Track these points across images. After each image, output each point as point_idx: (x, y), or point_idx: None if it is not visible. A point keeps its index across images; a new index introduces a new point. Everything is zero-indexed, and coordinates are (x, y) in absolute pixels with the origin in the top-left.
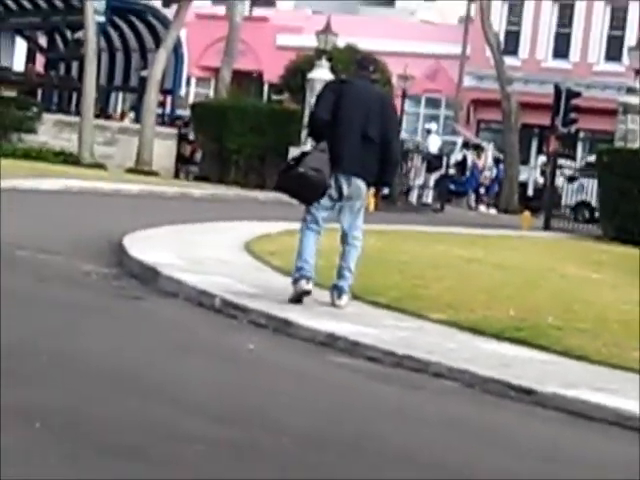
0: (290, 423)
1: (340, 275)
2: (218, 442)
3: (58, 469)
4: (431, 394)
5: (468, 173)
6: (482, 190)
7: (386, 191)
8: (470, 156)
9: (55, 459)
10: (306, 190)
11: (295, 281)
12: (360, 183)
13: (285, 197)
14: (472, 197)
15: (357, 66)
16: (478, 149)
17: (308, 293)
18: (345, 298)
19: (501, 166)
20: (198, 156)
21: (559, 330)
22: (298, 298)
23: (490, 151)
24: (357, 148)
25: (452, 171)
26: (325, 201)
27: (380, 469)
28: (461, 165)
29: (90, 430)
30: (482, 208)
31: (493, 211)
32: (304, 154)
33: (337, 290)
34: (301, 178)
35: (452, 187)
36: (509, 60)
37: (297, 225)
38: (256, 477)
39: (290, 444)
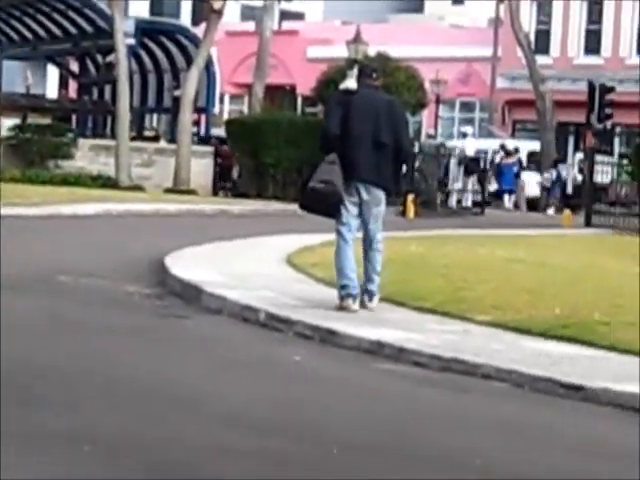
0: (340, 433)
1: (369, 279)
2: (268, 456)
3: None
4: (480, 396)
5: (491, 173)
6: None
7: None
8: (498, 157)
9: None
10: (322, 203)
11: (342, 299)
12: (378, 190)
13: None
14: (505, 198)
15: (360, 75)
16: (515, 150)
17: (354, 312)
18: (375, 300)
19: (561, 167)
20: (235, 173)
21: (606, 325)
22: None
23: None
24: (371, 156)
25: (490, 173)
26: (353, 209)
27: (431, 474)
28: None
29: (138, 450)
30: (550, 211)
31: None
32: (313, 169)
33: (368, 293)
34: (313, 192)
35: (491, 189)
36: (541, 59)
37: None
38: None
39: (340, 454)
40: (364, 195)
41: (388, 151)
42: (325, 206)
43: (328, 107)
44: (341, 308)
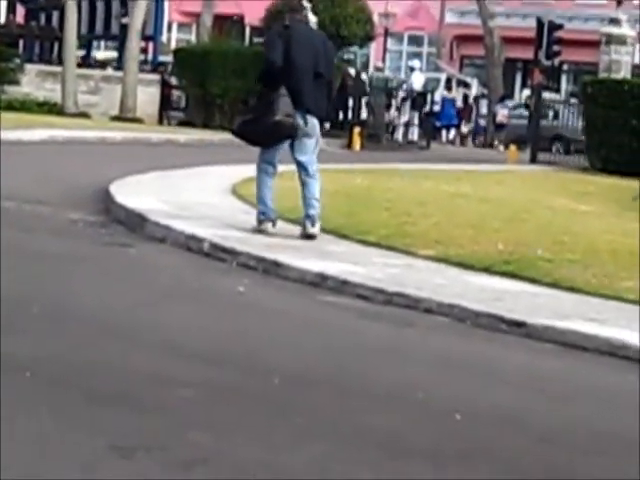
0: (281, 364)
1: (308, 204)
2: (208, 386)
3: (48, 417)
4: (422, 330)
5: (437, 108)
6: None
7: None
8: (442, 92)
9: (46, 407)
10: (277, 136)
11: (260, 223)
12: (315, 120)
13: None
14: (443, 133)
15: (291, 11)
16: (464, 85)
17: (270, 235)
18: (318, 226)
19: (508, 103)
20: (182, 101)
21: (549, 262)
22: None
23: (474, 87)
24: (311, 86)
25: (437, 108)
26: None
27: (372, 407)
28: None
29: (79, 378)
30: (501, 147)
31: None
32: (267, 102)
33: (310, 219)
34: (277, 125)
35: (437, 124)
36: None
37: (283, 168)
38: (245, 419)
39: (281, 385)
40: (302, 125)
41: (323, 82)
42: (274, 139)
43: (270, 40)
44: (259, 231)
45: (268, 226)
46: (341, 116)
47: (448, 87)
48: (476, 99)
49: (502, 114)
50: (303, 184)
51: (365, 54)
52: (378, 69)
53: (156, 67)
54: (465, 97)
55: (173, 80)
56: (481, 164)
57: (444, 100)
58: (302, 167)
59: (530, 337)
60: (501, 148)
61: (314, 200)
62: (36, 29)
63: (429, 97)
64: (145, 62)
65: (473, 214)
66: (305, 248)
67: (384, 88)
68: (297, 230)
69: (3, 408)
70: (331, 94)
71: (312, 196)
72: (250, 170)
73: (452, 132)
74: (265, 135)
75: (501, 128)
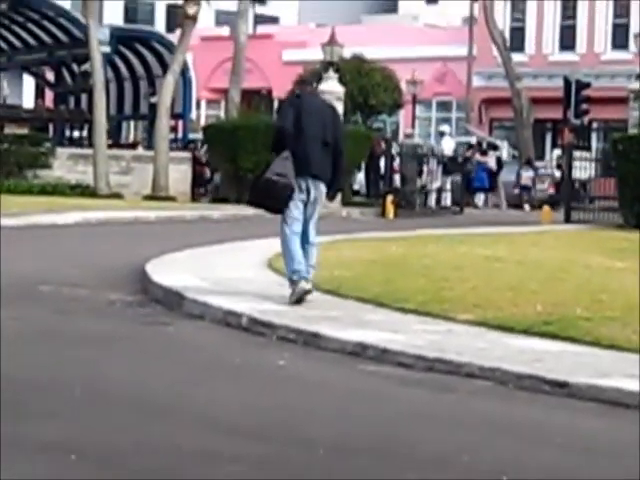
0: (325, 435)
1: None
2: (253, 461)
3: None
4: (464, 395)
5: (472, 172)
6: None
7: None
8: (476, 155)
9: None
10: (274, 196)
11: (293, 283)
12: (323, 186)
13: None
14: (476, 196)
15: (301, 84)
16: (493, 148)
17: (309, 292)
18: (311, 292)
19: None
20: (217, 178)
21: (588, 321)
22: (300, 298)
23: (505, 149)
24: (320, 154)
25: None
26: (301, 205)
27: (418, 473)
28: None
29: (125, 458)
30: (527, 207)
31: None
32: (267, 164)
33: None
34: (268, 183)
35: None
36: (516, 57)
37: (318, 239)
38: None
39: (325, 456)
40: (312, 191)
41: (330, 150)
42: (275, 200)
43: (283, 109)
44: (297, 292)
45: (302, 283)
46: (372, 183)
47: (483, 152)
48: (528, 162)
49: (526, 177)
50: (303, 251)
51: (394, 122)
52: (408, 136)
53: (186, 145)
54: (499, 160)
55: (204, 157)
56: (515, 226)
57: (475, 164)
58: (303, 231)
59: (573, 397)
60: (526, 208)
61: (311, 268)
62: (65, 112)
63: (462, 160)
64: (175, 140)
65: (510, 276)
66: (343, 318)
67: (415, 155)
68: (334, 300)
69: None
70: (341, 164)
71: (310, 264)
72: None
73: (482, 196)
74: (262, 194)
75: (527, 190)
